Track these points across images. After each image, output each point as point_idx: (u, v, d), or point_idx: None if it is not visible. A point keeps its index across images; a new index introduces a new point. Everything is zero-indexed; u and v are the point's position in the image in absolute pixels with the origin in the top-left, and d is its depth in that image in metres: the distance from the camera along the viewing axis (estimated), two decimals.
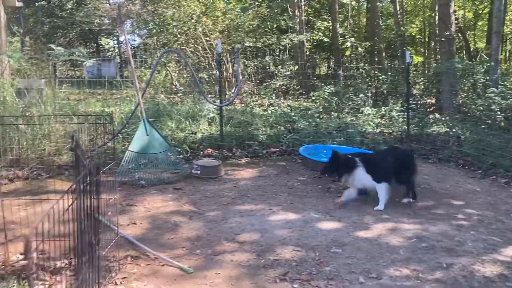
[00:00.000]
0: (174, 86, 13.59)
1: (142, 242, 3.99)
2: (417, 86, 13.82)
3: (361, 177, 5.08)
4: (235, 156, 7.18)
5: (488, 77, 9.18)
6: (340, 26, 18.20)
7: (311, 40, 18.79)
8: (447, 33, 11.07)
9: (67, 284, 3.22)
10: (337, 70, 15.94)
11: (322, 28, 19.10)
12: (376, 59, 17.29)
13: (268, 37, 15.66)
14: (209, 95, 12.20)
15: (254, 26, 14.97)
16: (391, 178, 5.16)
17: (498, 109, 7.63)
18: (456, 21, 14.73)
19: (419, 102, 11.42)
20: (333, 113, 10.55)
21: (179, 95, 12.72)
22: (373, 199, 5.17)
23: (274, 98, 11.37)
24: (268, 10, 15.95)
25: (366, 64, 14.44)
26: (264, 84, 14.38)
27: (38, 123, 6.19)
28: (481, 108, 8.20)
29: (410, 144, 7.96)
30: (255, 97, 12.55)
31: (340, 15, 19.50)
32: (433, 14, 16.82)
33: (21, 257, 3.60)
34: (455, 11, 13.54)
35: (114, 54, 27.30)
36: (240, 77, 7.67)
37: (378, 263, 3.75)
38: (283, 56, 17.77)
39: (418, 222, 4.67)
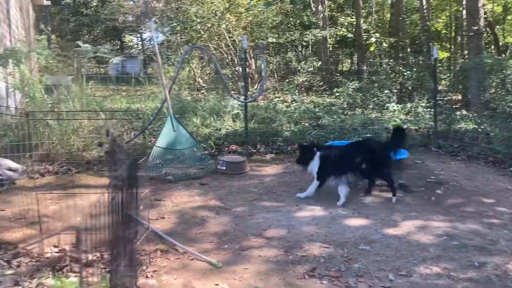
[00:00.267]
0: (197, 83, 13.68)
1: (171, 236, 4.02)
2: (443, 82, 13.59)
3: (313, 166, 5.20)
4: (259, 152, 7.18)
5: None
6: (363, 21, 18.01)
7: (334, 35, 18.64)
8: (475, 28, 10.84)
9: (99, 276, 3.28)
10: (361, 66, 15.79)
11: (346, 23, 18.93)
12: (400, 54, 17.05)
13: (291, 33, 15.61)
14: (231, 92, 12.23)
15: (277, 22, 14.94)
16: (336, 174, 5.10)
17: None
18: (485, 15, 14.39)
19: (444, 98, 11.22)
20: (357, 109, 10.45)
21: (202, 91, 12.80)
22: (397, 199, 5.10)
23: (297, 94, 11.33)
24: (291, 5, 15.88)
25: (391, 60, 14.23)
26: (287, 80, 14.35)
27: (67, 119, 6.29)
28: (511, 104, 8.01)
29: (438, 141, 7.83)
30: (278, 93, 12.53)
31: (363, 10, 19.29)
32: (460, 8, 16.48)
33: (55, 249, 3.68)
34: (483, 5, 13.22)
35: (137, 51, 27.61)
36: (266, 73, 7.63)
37: (408, 260, 3.70)
38: (306, 52, 17.67)
39: (448, 220, 4.59)
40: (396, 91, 12.13)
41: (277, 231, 4.27)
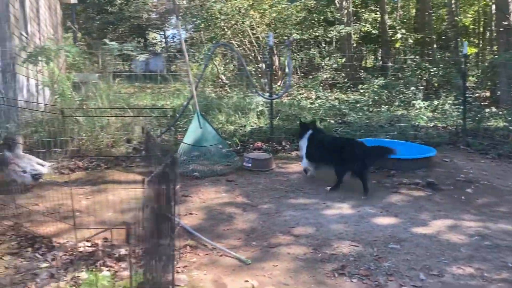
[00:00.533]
0: (220, 80, 13.73)
1: (199, 232, 4.06)
2: (470, 78, 13.31)
3: (302, 142, 5.76)
4: (284, 149, 7.16)
5: None
6: (388, 17, 17.77)
7: (358, 31, 18.44)
8: (505, 23, 10.58)
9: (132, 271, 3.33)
10: (386, 62, 15.59)
11: (370, 19, 18.71)
12: (426, 50, 16.76)
13: (315, 29, 15.51)
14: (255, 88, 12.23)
15: (301, 18, 14.86)
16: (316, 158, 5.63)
17: None
18: None
19: (472, 95, 11.00)
20: (383, 106, 10.33)
21: (225, 88, 12.84)
22: (426, 198, 5.03)
23: (321, 90, 11.27)
24: (315, 1, 15.77)
25: (417, 56, 14.01)
26: (311, 76, 14.27)
27: (99, 116, 6.40)
28: None
29: (466, 139, 7.68)
30: (302, 90, 12.47)
31: (388, 6, 19.03)
32: (489, 3, 16.10)
33: (87, 244, 3.76)
34: None
35: (161, 48, 27.86)
36: (291, 70, 7.61)
37: (439, 260, 3.65)
38: (329, 48, 17.54)
39: (479, 219, 4.51)
40: (422, 88, 11.94)
41: (305, 228, 4.26)
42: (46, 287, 3.12)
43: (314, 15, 16.42)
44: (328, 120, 8.40)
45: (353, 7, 18.37)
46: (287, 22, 13.92)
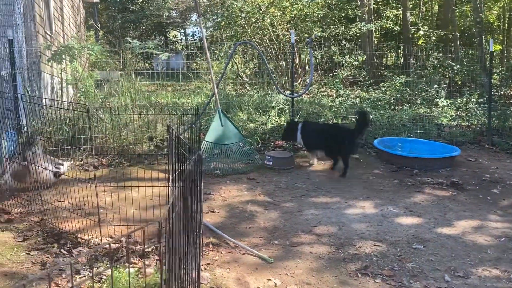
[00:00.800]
0: (240, 78, 13.74)
1: (221, 230, 4.07)
2: (495, 76, 13.03)
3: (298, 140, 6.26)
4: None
5: None
6: (410, 14, 17.51)
7: (379, 29, 18.22)
8: None
9: (155, 268, 3.37)
10: (408, 60, 15.36)
11: (392, 16, 18.46)
12: (449, 47, 16.46)
13: (335, 26, 15.38)
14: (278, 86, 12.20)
15: (322, 15, 14.76)
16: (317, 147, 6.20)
17: None
18: None
19: (497, 93, 10.76)
20: (405, 104, 10.20)
21: (246, 86, 12.85)
22: (450, 198, 4.94)
23: (342, 88, 11.17)
24: None
25: (440, 54, 13.76)
26: (331, 74, 14.17)
27: (124, 114, 6.47)
28: None
29: (492, 138, 7.52)
30: (322, 87, 12.39)
31: (410, 2, 18.74)
32: None
33: (111, 240, 3.81)
34: None
35: (181, 46, 28.04)
36: (312, 68, 7.56)
37: (464, 261, 3.59)
38: (350, 45, 17.38)
39: (506, 220, 4.42)
40: (445, 85, 11.73)
41: (327, 228, 4.24)
42: (71, 282, 3.17)
43: (335, 12, 16.29)
44: (349, 119, 8.32)
45: (374, 4, 18.15)
46: (307, 19, 13.85)
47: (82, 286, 3.14)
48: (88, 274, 3.28)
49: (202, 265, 3.46)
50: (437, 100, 10.12)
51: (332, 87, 11.59)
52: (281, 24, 13.49)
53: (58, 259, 3.48)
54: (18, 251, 3.60)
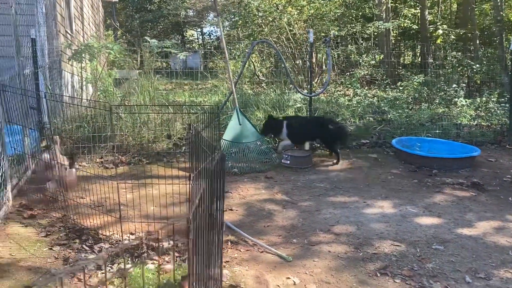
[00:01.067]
0: (256, 77, 13.76)
1: (240, 228, 4.09)
2: None
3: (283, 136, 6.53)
4: (323, 146, 7.10)
5: None
6: (428, 12, 17.30)
7: (397, 27, 18.05)
8: None
9: (176, 264, 3.41)
10: (426, 59, 15.19)
11: (409, 15, 18.27)
12: (468, 46, 16.23)
13: (352, 25, 15.29)
14: (291, 85, 12.19)
15: (339, 14, 14.69)
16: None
17: None
18: None
19: None
20: (423, 103, 10.09)
21: (262, 85, 12.87)
22: (471, 198, 4.88)
23: (359, 87, 11.10)
24: None
25: (459, 53, 13.59)
26: (348, 73, 14.10)
27: (138, 112, 6.55)
28: None
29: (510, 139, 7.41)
30: (339, 86, 12.34)
31: (428, 1, 18.52)
32: None
33: (132, 237, 3.86)
34: None
35: (198, 45, 28.17)
36: (330, 67, 7.54)
37: (485, 263, 3.55)
38: (367, 44, 17.26)
39: None
40: (464, 85, 11.58)
41: (346, 227, 4.23)
42: (94, 278, 3.22)
43: (352, 11, 16.19)
44: (367, 118, 8.28)
45: (391, 2, 17.98)
46: (324, 18, 13.79)
47: (104, 281, 3.19)
48: (109, 270, 3.33)
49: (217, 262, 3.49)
50: (456, 99, 9.99)
51: (349, 86, 11.52)
52: (298, 23, 13.46)
53: (80, 255, 3.55)
54: (41, 246, 3.67)
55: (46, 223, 4.11)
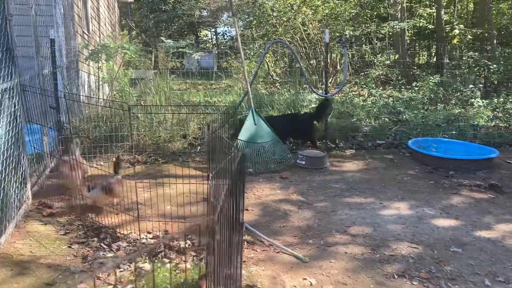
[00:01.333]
0: (270, 77, 13.76)
1: (255, 228, 4.10)
2: None
3: None
4: (338, 147, 7.09)
5: None
6: (444, 12, 17.12)
7: (412, 27, 17.89)
8: None
9: (192, 264, 3.43)
10: (441, 59, 15.04)
11: (425, 14, 18.11)
12: (485, 46, 16.01)
13: (367, 25, 15.19)
14: (305, 85, 12.18)
15: (353, 14, 14.61)
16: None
17: None
18: None
19: None
20: (439, 104, 9.99)
21: (276, 85, 12.86)
22: (489, 200, 4.82)
23: (374, 88, 11.04)
24: None
25: (476, 53, 13.43)
26: (362, 73, 14.01)
27: (155, 112, 6.60)
28: None
29: None
30: (354, 87, 12.29)
31: (444, 0, 18.31)
32: None
33: (149, 235, 3.89)
34: None
35: (211, 45, 28.26)
36: (346, 68, 7.52)
37: (505, 266, 3.51)
38: (382, 44, 17.14)
39: None
40: (481, 85, 11.44)
41: (362, 228, 4.21)
42: (112, 276, 3.26)
43: (367, 11, 16.09)
44: (382, 118, 8.22)
45: (407, 2, 17.83)
46: (339, 18, 13.73)
47: (122, 279, 3.23)
48: (128, 268, 3.37)
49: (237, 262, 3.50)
50: (473, 100, 9.87)
51: (364, 86, 11.46)
52: (312, 23, 13.42)
53: (98, 253, 3.59)
54: (60, 244, 3.72)
55: (65, 221, 4.17)
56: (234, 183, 1.85)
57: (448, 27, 15.82)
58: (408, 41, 18.27)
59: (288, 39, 13.77)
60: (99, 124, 6.71)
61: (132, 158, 6.09)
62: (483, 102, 9.84)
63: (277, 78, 13.65)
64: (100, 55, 7.93)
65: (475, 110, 9.39)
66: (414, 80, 12.80)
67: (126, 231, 3.97)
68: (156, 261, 3.47)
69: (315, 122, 7.01)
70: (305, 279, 3.32)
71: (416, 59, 20.00)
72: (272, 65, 14.37)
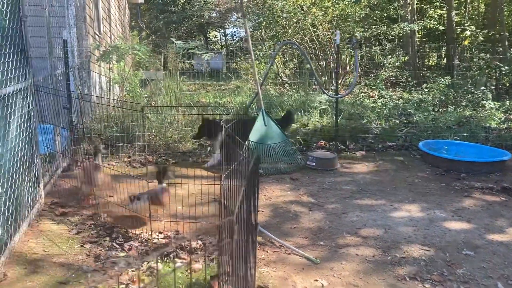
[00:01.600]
0: (279, 78, 13.76)
1: (266, 229, 4.10)
2: None
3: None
4: (349, 149, 7.07)
5: None
6: (455, 13, 17.00)
7: (422, 28, 17.80)
8: None
9: (204, 264, 3.44)
10: (452, 61, 14.95)
11: (435, 16, 18.00)
12: (496, 48, 15.87)
13: (377, 26, 15.16)
14: (315, 86, 12.17)
15: (363, 15, 14.58)
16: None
17: None
18: None
19: None
20: (449, 106, 9.94)
21: (285, 86, 12.87)
22: (501, 203, 4.78)
23: (384, 89, 11.01)
24: None
25: (487, 54, 13.33)
26: (372, 75, 13.97)
27: (178, 114, 6.62)
28: None
29: None
30: (364, 88, 12.26)
31: (455, 1, 18.20)
32: None
33: (160, 235, 3.91)
34: None
35: (221, 46, 28.33)
36: (357, 69, 7.49)
37: None
38: (391, 46, 17.07)
39: None
40: (493, 87, 11.35)
41: (373, 230, 4.20)
42: (125, 275, 3.28)
43: (377, 12, 16.05)
44: (392, 120, 8.19)
45: (417, 3, 17.74)
46: (349, 19, 13.71)
47: (134, 279, 3.25)
48: (139, 267, 3.39)
49: (251, 263, 3.51)
50: (484, 102, 9.80)
51: (374, 87, 11.43)
52: (322, 24, 13.41)
53: (111, 252, 3.61)
54: (73, 243, 3.75)
55: (77, 221, 4.20)
56: (251, 184, 1.86)
57: (459, 28, 15.72)
58: (418, 43, 18.17)
59: (297, 40, 13.77)
60: (111, 125, 6.76)
61: (143, 158, 6.13)
62: (494, 104, 9.77)
63: (286, 79, 13.65)
64: (111, 56, 7.98)
65: (486, 112, 9.32)
66: (424, 81, 12.75)
67: (138, 231, 3.99)
68: (167, 261, 3.49)
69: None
70: (316, 280, 3.32)
71: (426, 60, 19.89)
72: (282, 66, 14.37)
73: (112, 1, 11.56)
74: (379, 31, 14.99)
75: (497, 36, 15.64)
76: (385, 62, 14.25)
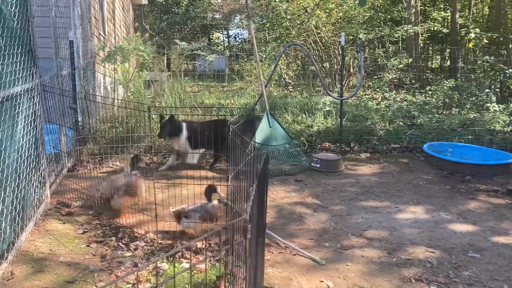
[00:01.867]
0: (283, 79, 13.78)
1: (271, 231, 4.10)
2: None
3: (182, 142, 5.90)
4: (353, 150, 7.06)
5: None
6: (459, 16, 16.99)
7: (426, 31, 17.79)
8: None
9: (209, 264, 3.45)
10: (456, 63, 14.93)
11: (439, 18, 17.99)
12: (500, 51, 15.85)
13: (380, 28, 15.14)
14: (318, 88, 12.18)
15: (367, 17, 14.58)
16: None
17: None
18: None
19: None
20: (453, 108, 9.92)
21: (289, 88, 12.88)
22: (507, 206, 4.78)
23: (387, 91, 11.01)
24: (382, 0, 15.42)
25: (492, 57, 13.30)
26: (375, 77, 13.97)
27: (187, 114, 6.62)
28: None
29: None
30: (368, 90, 12.25)
31: (459, 3, 18.18)
32: None
33: (166, 235, 3.92)
34: None
35: (224, 48, 28.36)
36: (362, 71, 7.50)
37: None
38: (395, 48, 17.06)
39: None
40: (497, 90, 11.33)
41: (378, 232, 4.20)
42: (131, 275, 3.29)
43: (380, 14, 16.04)
44: (397, 122, 8.18)
45: (421, 5, 17.74)
46: (353, 21, 13.71)
47: (140, 279, 3.26)
48: (145, 267, 3.40)
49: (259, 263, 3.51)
50: (488, 104, 9.78)
51: (378, 90, 11.43)
52: (326, 26, 13.41)
53: (117, 252, 3.62)
54: (79, 243, 3.77)
55: (83, 220, 4.22)
56: (261, 184, 1.86)
57: (463, 31, 15.70)
58: (421, 45, 18.17)
59: (301, 41, 13.78)
60: (115, 125, 6.78)
61: (148, 159, 6.14)
62: (499, 106, 9.75)
63: (290, 81, 13.66)
64: (115, 56, 8.01)
65: (491, 115, 9.31)
66: (428, 84, 12.73)
67: (143, 231, 4.00)
68: (173, 261, 3.50)
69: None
70: (322, 281, 3.32)
71: (429, 63, 19.87)
72: (285, 67, 14.38)
73: (117, 2, 11.59)
74: (382, 33, 14.96)
75: (501, 38, 15.63)
76: (388, 64, 14.24)
